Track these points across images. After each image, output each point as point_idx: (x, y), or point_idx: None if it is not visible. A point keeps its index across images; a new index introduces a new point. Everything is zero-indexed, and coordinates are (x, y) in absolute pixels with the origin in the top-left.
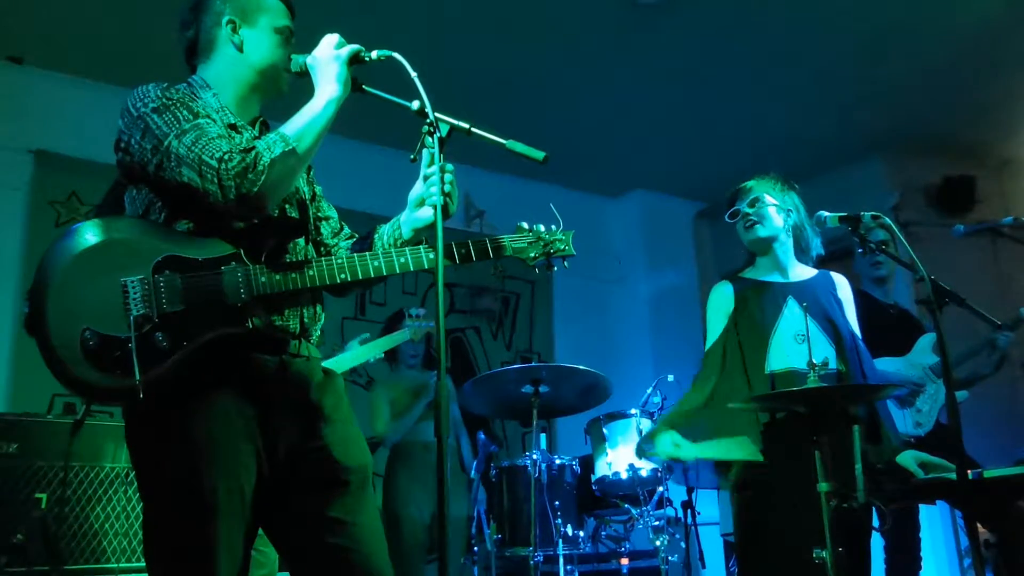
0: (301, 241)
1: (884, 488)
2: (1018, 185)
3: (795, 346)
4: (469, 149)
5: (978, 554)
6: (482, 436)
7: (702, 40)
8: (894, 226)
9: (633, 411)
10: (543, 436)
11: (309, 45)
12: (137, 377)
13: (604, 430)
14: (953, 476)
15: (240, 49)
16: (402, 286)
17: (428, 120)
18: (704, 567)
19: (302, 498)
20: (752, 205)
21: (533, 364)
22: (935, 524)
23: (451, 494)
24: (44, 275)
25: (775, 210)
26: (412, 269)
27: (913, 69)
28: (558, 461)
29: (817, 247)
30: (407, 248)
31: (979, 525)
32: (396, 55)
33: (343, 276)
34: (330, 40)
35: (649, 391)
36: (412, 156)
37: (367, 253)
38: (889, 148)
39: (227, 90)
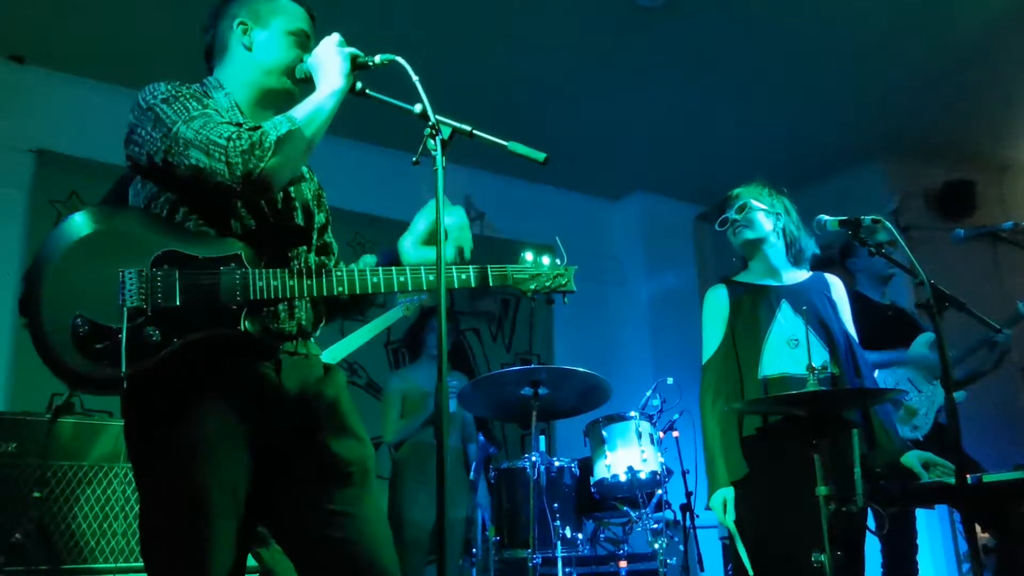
0: (303, 248)
1: (883, 491)
2: (1018, 189)
3: (788, 351)
4: (469, 151)
5: (977, 559)
6: (481, 438)
7: (703, 43)
8: (894, 230)
9: (632, 413)
10: (542, 438)
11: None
12: (124, 369)
13: (603, 432)
14: (952, 480)
15: (249, 49)
16: None
17: (430, 123)
18: (702, 570)
19: (303, 494)
20: (740, 211)
21: (532, 366)
22: (934, 528)
23: (455, 496)
24: (43, 258)
25: (763, 214)
26: (411, 288)
27: (913, 73)
28: (557, 463)
29: (812, 247)
30: (407, 267)
31: (978, 530)
32: (399, 59)
33: (340, 289)
34: (332, 38)
35: (648, 394)
36: (415, 159)
37: (367, 269)
38: (889, 152)
39: (239, 92)
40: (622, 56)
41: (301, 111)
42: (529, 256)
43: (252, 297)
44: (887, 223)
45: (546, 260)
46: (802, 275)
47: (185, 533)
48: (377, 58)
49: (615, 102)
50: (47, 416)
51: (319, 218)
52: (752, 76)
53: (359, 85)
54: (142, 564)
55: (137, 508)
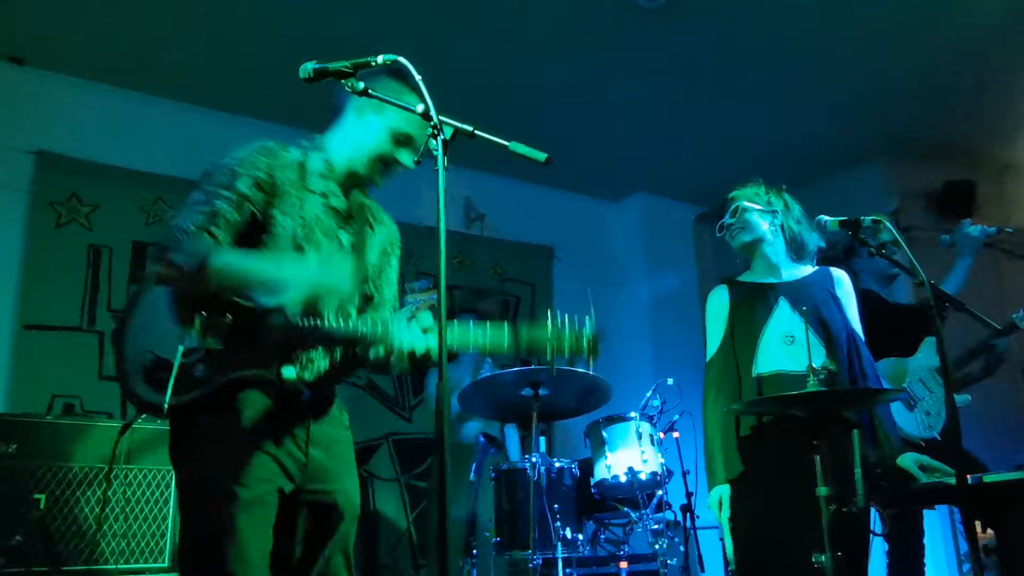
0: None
1: (884, 491)
2: (1018, 189)
3: (784, 348)
4: (469, 152)
5: (977, 559)
6: (481, 439)
7: (703, 44)
8: (894, 230)
9: (633, 414)
10: (542, 439)
11: (314, 52)
12: (168, 398)
13: (603, 433)
14: (953, 480)
15: (356, 127)
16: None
17: (432, 123)
18: (703, 571)
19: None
20: (734, 215)
21: (533, 367)
22: (934, 529)
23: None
24: (138, 296)
25: (757, 215)
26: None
27: (913, 73)
28: (557, 464)
29: (815, 241)
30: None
31: (979, 531)
32: (401, 59)
33: (375, 352)
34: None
35: (649, 394)
36: (416, 159)
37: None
38: (889, 153)
39: (339, 156)
40: (622, 56)
41: (230, 261)
42: (554, 321)
43: (289, 349)
44: (887, 223)
45: (568, 325)
46: (805, 270)
47: (219, 537)
48: (380, 59)
49: (615, 102)
50: (48, 417)
51: (383, 291)
52: (752, 77)
53: (361, 85)
54: (141, 565)
55: (136, 509)
